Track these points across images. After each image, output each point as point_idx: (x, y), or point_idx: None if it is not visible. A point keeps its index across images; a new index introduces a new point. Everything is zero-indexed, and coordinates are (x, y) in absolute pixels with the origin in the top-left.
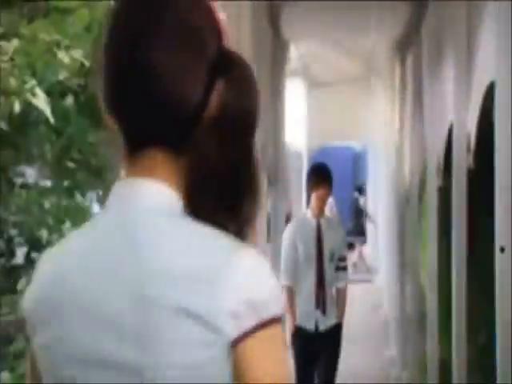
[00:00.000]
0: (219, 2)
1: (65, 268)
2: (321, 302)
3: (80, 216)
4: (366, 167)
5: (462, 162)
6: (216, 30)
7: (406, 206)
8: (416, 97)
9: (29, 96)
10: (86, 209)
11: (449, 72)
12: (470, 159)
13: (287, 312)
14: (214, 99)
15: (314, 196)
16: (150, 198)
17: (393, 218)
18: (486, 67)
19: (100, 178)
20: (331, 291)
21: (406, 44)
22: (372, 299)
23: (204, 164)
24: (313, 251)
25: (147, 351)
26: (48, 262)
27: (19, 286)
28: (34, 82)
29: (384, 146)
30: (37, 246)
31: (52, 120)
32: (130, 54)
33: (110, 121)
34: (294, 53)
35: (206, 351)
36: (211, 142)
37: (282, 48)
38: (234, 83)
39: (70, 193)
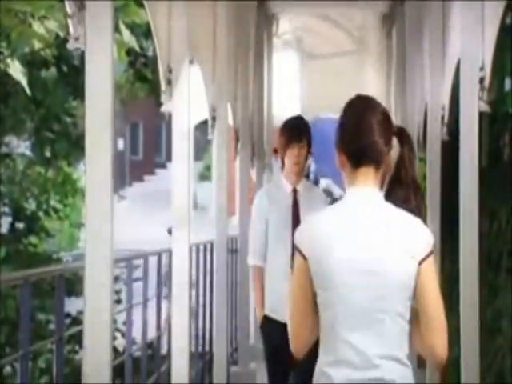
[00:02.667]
0: None
1: (329, 228)
2: None
3: (68, 186)
4: None
5: (436, 133)
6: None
7: None
8: (399, 70)
9: (4, 66)
10: (74, 179)
11: (426, 47)
12: (444, 131)
13: (256, 298)
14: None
15: (287, 157)
16: (373, 194)
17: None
18: (458, 44)
19: (79, 148)
20: None
21: (392, 17)
22: None
23: (401, 176)
24: (286, 225)
25: (386, 265)
26: (315, 225)
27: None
28: (7, 51)
29: None
30: (21, 216)
31: (28, 90)
32: (367, 137)
33: (342, 154)
34: (288, 26)
35: (411, 267)
36: (404, 167)
37: (268, 21)
38: (404, 145)
39: (49, 163)
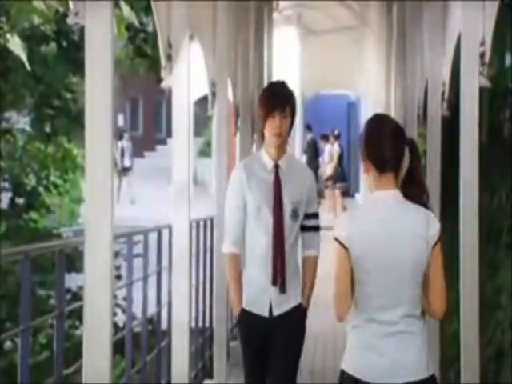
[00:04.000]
0: None
1: (364, 225)
2: (279, 277)
3: (69, 162)
4: (361, 115)
5: (437, 109)
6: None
7: None
8: (400, 45)
9: (4, 41)
10: (74, 155)
11: (427, 23)
12: (444, 106)
13: (233, 291)
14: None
15: (267, 128)
16: (395, 195)
17: None
18: (458, 19)
19: (79, 124)
20: (294, 261)
21: None
22: None
23: (415, 180)
24: (267, 205)
25: (407, 250)
26: (352, 221)
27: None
28: (7, 26)
29: (374, 95)
30: (21, 191)
31: (28, 65)
32: (385, 149)
33: (368, 163)
34: (288, 1)
35: (426, 250)
36: (414, 170)
37: None
38: (414, 153)
39: (49, 138)
